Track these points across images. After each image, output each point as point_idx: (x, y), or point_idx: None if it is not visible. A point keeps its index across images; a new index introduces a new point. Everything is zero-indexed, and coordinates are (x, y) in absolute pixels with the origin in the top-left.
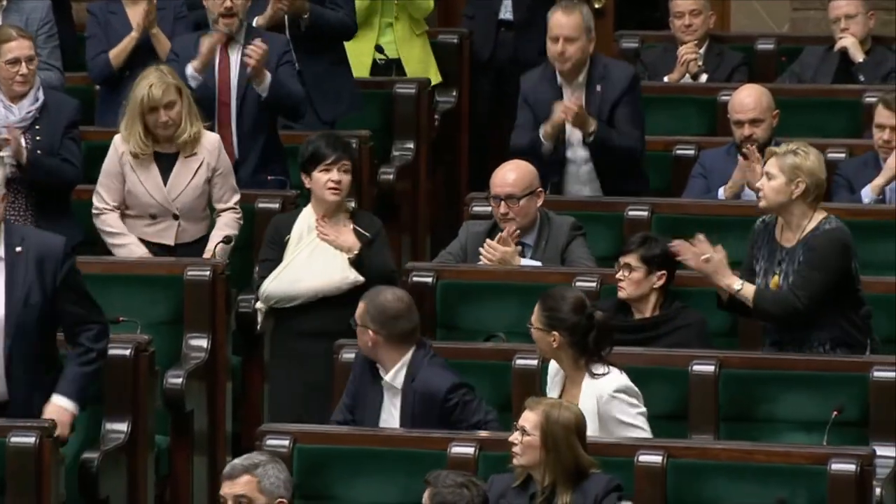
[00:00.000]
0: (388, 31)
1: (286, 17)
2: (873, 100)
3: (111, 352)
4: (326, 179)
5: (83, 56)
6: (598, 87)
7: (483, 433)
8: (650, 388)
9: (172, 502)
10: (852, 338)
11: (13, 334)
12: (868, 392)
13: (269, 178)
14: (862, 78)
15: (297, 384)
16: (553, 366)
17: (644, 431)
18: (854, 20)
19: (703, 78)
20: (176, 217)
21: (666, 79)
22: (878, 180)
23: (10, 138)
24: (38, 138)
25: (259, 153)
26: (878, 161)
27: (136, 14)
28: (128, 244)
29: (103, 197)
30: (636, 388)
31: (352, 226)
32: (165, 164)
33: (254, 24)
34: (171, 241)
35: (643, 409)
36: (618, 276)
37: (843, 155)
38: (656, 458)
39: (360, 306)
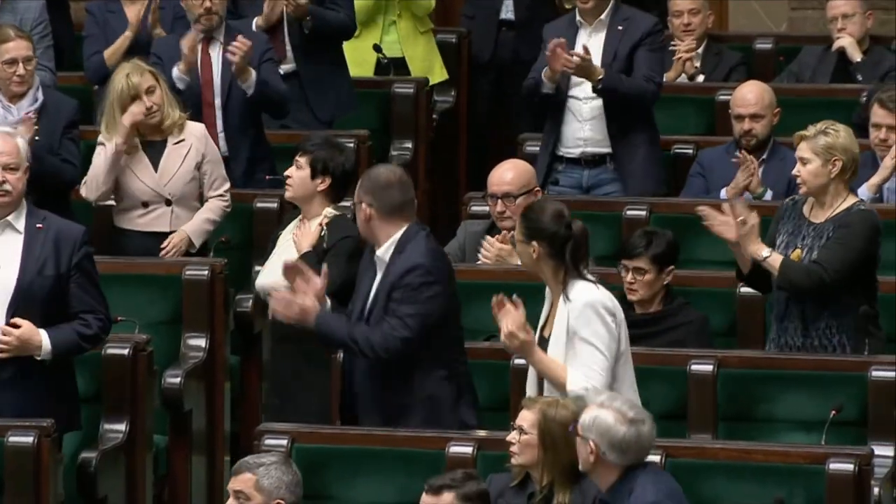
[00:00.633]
0: (391, 29)
1: (285, 17)
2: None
3: (109, 351)
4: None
5: (80, 56)
6: (620, 28)
7: (481, 433)
8: (649, 388)
9: (171, 502)
10: (865, 328)
11: (21, 304)
12: (867, 392)
13: (266, 177)
14: (860, 77)
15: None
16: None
17: (596, 354)
18: (851, 20)
19: (700, 79)
20: (169, 203)
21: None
22: (875, 179)
23: (24, 129)
24: (37, 138)
25: (248, 152)
26: (876, 160)
27: (135, 15)
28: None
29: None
30: (611, 304)
31: (320, 231)
32: (155, 151)
33: (253, 25)
34: (166, 228)
35: (608, 329)
36: (628, 279)
37: None
38: (654, 458)
39: (358, 185)
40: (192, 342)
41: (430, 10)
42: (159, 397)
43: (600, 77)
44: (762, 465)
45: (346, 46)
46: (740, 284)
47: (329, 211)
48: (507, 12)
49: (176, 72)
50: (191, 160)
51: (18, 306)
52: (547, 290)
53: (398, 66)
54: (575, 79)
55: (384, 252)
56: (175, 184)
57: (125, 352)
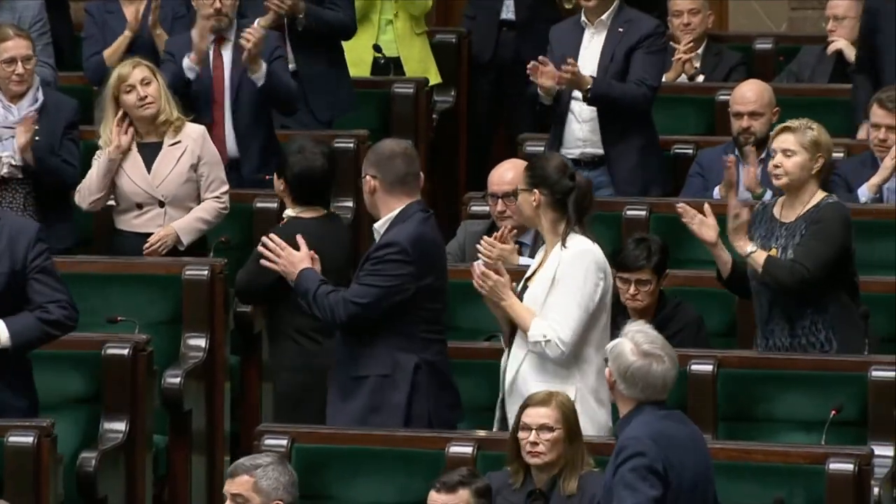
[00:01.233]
0: (388, 29)
1: (285, 17)
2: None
3: (109, 351)
4: None
5: (80, 56)
6: (621, 29)
7: (481, 433)
8: None
9: (170, 502)
10: (849, 321)
11: None
12: (866, 391)
13: (266, 177)
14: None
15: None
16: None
17: (572, 306)
18: (842, 23)
19: (700, 79)
20: (162, 204)
21: (663, 77)
22: (875, 179)
23: (24, 129)
24: (37, 138)
25: (259, 151)
26: (876, 160)
27: (132, 13)
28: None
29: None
30: (604, 262)
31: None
32: (149, 152)
33: (256, 23)
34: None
35: (594, 284)
36: (630, 291)
37: (840, 154)
38: None
39: (364, 158)
40: (192, 342)
41: (427, 11)
42: (159, 397)
43: (589, 87)
44: (762, 465)
45: (343, 46)
46: None
47: (287, 213)
48: (508, 12)
49: (186, 61)
50: (185, 162)
51: None
52: (540, 248)
53: (394, 66)
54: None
55: (381, 225)
56: (168, 185)
57: (125, 352)
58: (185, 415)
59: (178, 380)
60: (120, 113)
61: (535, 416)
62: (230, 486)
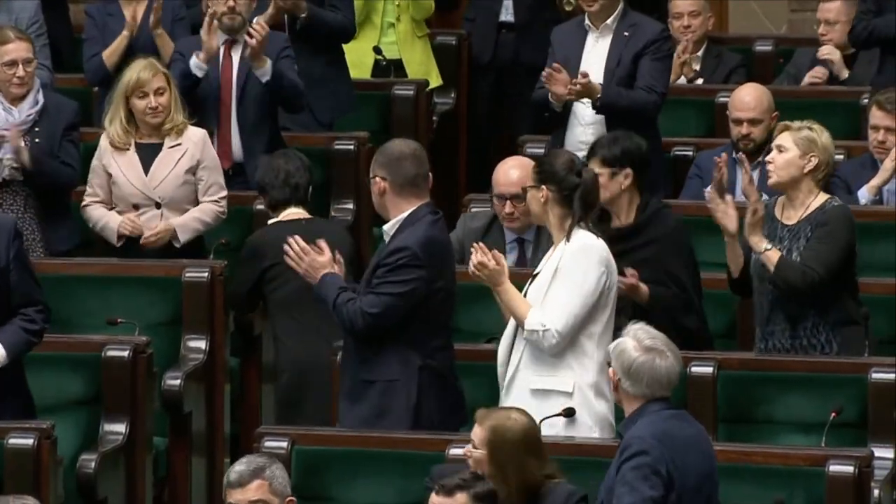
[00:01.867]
0: (390, 31)
1: (285, 16)
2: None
3: (109, 353)
4: None
5: (80, 58)
6: (626, 34)
7: None
8: None
9: (171, 503)
10: (851, 323)
11: None
12: (866, 393)
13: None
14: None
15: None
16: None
17: (571, 299)
18: (834, 27)
19: (699, 82)
20: (159, 206)
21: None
22: (875, 181)
23: (11, 140)
24: (37, 140)
25: (264, 153)
26: (876, 162)
27: (131, 14)
28: (106, 222)
29: (91, 189)
30: (607, 256)
31: None
32: (148, 153)
33: (254, 22)
34: None
35: (595, 278)
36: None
37: (840, 156)
38: None
39: (373, 160)
40: (192, 344)
41: (429, 14)
42: (159, 399)
43: (598, 96)
44: (762, 467)
45: (344, 47)
46: None
47: (269, 221)
48: (507, 14)
49: (194, 60)
50: (184, 165)
51: None
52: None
53: (395, 68)
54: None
55: (390, 227)
56: (165, 187)
57: (125, 354)
58: (185, 416)
59: (178, 381)
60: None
61: (472, 430)
62: (244, 494)
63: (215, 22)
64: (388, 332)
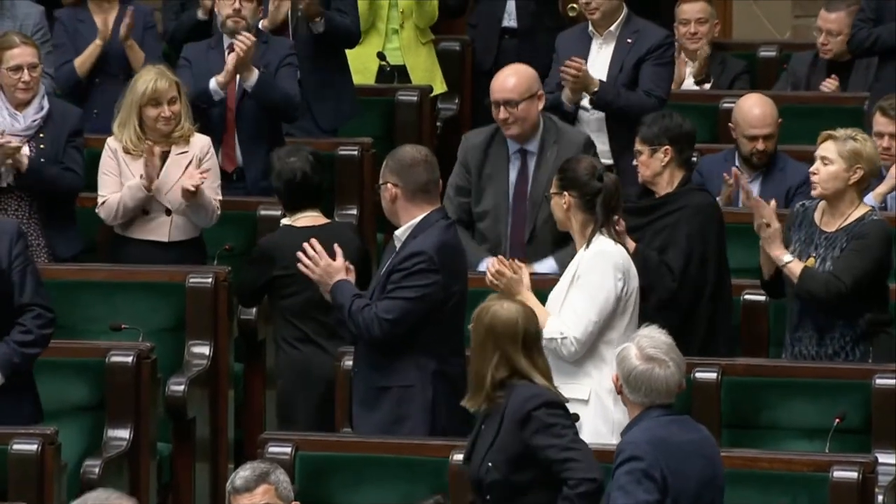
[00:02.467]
0: (394, 37)
1: (290, 23)
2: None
3: (113, 358)
4: None
5: None
6: (629, 40)
7: None
8: None
9: None
10: (879, 333)
11: None
12: (870, 399)
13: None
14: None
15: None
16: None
17: (589, 306)
18: (836, 39)
19: (707, 87)
20: (169, 212)
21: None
22: (882, 188)
23: (4, 146)
24: (42, 146)
25: (264, 159)
26: (881, 169)
27: (105, 23)
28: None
29: (102, 191)
30: (624, 262)
31: None
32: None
33: (260, 26)
34: (164, 238)
35: (612, 285)
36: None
37: None
38: None
39: (383, 165)
40: (196, 350)
41: (433, 21)
42: (163, 405)
43: (595, 90)
44: (766, 473)
45: (348, 53)
46: (745, 291)
47: (283, 221)
48: (510, 20)
49: (213, 84)
50: (194, 171)
51: None
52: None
53: (399, 74)
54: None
55: (402, 233)
56: (174, 194)
57: (129, 359)
58: (189, 422)
59: (181, 387)
60: (158, 150)
61: None
62: (252, 500)
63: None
64: (404, 337)
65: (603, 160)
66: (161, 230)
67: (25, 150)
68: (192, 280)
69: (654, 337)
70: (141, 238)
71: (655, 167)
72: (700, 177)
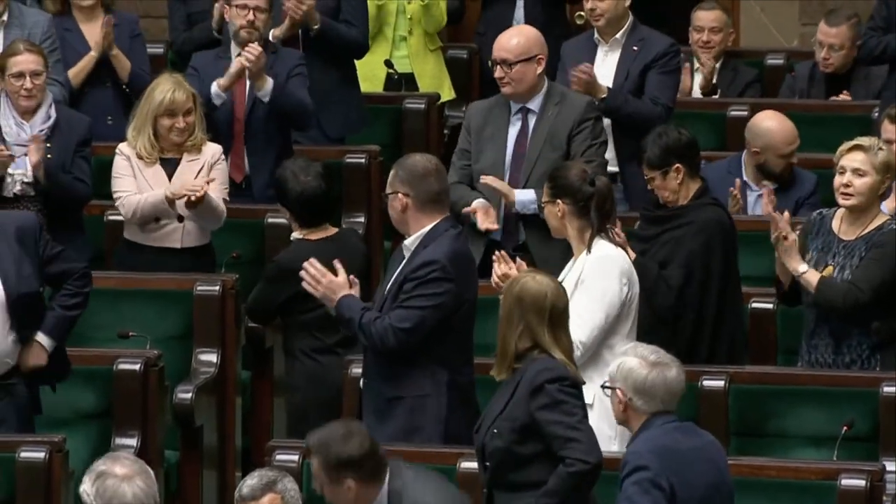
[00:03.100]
0: (402, 44)
1: (300, 32)
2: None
3: (121, 366)
4: None
5: None
6: (635, 48)
7: None
8: None
9: None
10: (892, 340)
11: (19, 310)
12: (878, 407)
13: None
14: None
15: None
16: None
17: (594, 310)
18: (839, 53)
19: (715, 97)
20: (181, 219)
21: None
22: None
23: (34, 148)
24: (49, 156)
25: (272, 168)
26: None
27: (92, 32)
28: (147, 197)
29: (121, 189)
30: (627, 267)
31: None
32: (169, 167)
33: (270, 36)
34: (177, 244)
35: (617, 289)
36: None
37: None
38: None
39: (391, 174)
40: (204, 357)
41: (441, 27)
42: (170, 412)
43: (603, 96)
44: (774, 481)
45: (356, 61)
46: (752, 299)
47: (294, 235)
48: None
49: (215, 88)
50: (202, 178)
51: (17, 313)
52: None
53: (407, 81)
54: None
55: (412, 242)
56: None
57: (136, 367)
58: (197, 430)
59: (189, 395)
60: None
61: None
62: None
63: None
64: (417, 346)
65: (612, 168)
66: (173, 237)
67: (33, 158)
68: (199, 288)
69: (646, 346)
70: (152, 245)
71: (672, 187)
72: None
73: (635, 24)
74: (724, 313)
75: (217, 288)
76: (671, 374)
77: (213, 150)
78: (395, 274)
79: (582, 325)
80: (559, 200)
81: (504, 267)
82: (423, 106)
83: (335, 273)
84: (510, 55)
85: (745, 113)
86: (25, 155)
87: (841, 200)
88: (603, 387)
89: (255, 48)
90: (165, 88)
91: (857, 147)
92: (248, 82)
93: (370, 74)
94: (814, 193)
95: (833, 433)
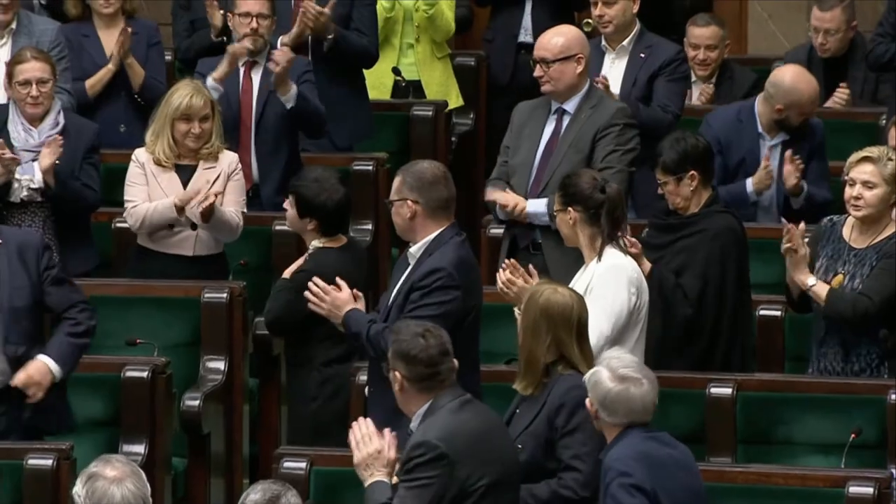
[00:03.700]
0: (409, 52)
1: (309, 39)
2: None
3: (128, 373)
4: None
5: None
6: (643, 55)
7: None
8: (668, 410)
9: None
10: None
11: (10, 322)
12: (885, 415)
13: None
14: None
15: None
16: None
17: (601, 318)
18: (835, 37)
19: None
20: (195, 227)
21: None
22: None
23: (50, 151)
24: (57, 162)
25: (280, 175)
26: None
27: (110, 39)
28: (156, 205)
29: (132, 198)
30: (636, 276)
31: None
32: (184, 174)
33: (278, 43)
34: (189, 252)
35: (626, 298)
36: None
37: None
38: None
39: (396, 181)
40: (211, 365)
41: (449, 36)
42: (178, 420)
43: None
44: (781, 489)
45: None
46: (760, 307)
47: (314, 244)
48: (526, 35)
49: (210, 81)
50: (218, 186)
51: (8, 324)
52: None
53: (415, 89)
54: None
55: (417, 250)
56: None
57: (144, 374)
58: (204, 437)
59: (196, 402)
60: (218, 184)
61: None
62: None
63: (238, 49)
64: None
65: None
66: (186, 244)
67: (45, 162)
68: (207, 295)
69: (623, 357)
70: (165, 252)
71: (685, 194)
72: (709, 127)
73: (642, 31)
74: (738, 322)
75: (225, 295)
76: (639, 390)
77: (230, 158)
78: (401, 282)
79: (589, 334)
80: (570, 208)
81: (510, 273)
82: (430, 113)
83: (339, 288)
84: (549, 54)
85: None
86: (33, 161)
87: (852, 212)
88: None
89: (286, 52)
90: (183, 93)
91: (867, 158)
92: (254, 88)
93: (377, 82)
94: (822, 141)
95: (841, 441)
